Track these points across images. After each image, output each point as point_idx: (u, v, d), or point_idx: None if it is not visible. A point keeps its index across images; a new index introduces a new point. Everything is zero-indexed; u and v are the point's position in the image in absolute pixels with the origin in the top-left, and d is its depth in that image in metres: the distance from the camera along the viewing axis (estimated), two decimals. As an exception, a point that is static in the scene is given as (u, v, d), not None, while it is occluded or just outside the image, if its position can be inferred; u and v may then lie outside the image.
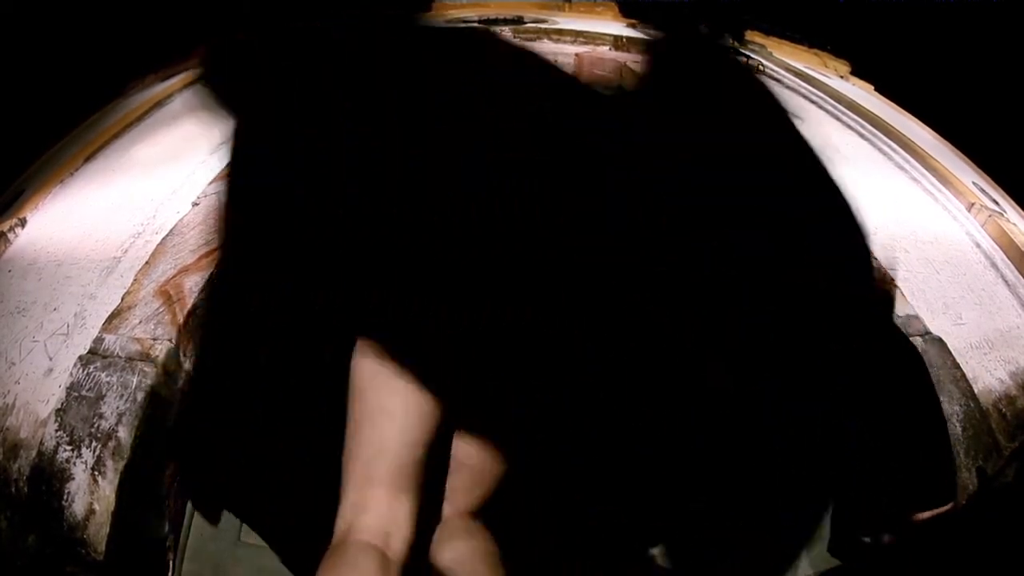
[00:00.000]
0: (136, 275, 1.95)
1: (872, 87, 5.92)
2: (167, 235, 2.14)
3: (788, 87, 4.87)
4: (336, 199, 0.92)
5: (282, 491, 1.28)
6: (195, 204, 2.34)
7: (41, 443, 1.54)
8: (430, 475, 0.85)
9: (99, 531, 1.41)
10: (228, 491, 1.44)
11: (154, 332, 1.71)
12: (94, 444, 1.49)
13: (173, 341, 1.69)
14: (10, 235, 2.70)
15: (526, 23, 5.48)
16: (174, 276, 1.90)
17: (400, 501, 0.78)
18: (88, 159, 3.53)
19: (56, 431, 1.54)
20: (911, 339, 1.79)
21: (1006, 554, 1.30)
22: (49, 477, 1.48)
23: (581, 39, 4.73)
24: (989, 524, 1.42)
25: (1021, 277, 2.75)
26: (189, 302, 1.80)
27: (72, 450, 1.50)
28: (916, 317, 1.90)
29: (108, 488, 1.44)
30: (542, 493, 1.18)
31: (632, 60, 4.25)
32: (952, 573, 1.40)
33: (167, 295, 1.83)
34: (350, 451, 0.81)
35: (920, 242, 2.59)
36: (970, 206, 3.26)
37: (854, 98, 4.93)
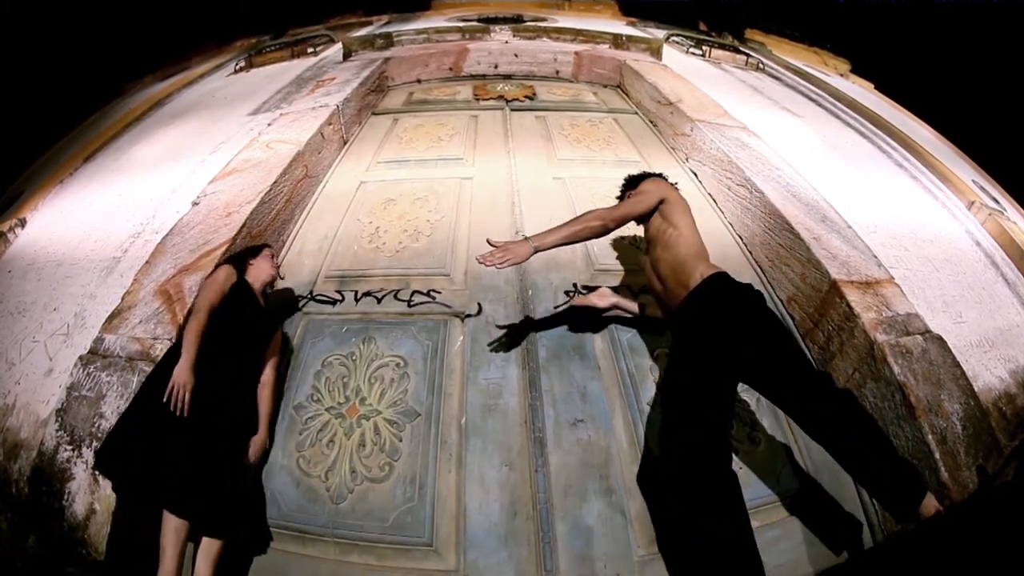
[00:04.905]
0: (136, 275, 1.94)
1: (872, 85, 5.92)
2: (167, 235, 2.14)
3: (788, 85, 4.87)
4: None
5: None
6: (195, 204, 2.35)
7: (41, 443, 1.54)
8: None
9: (99, 531, 1.40)
10: None
11: (154, 332, 1.70)
12: (95, 444, 1.49)
13: (173, 341, 1.69)
14: (10, 235, 2.69)
15: (526, 22, 5.47)
16: (174, 276, 1.90)
17: None
18: (88, 159, 3.53)
19: (57, 431, 1.54)
20: (911, 337, 1.79)
21: (1006, 553, 1.30)
22: (49, 477, 1.48)
23: (581, 37, 4.73)
24: (989, 522, 1.42)
25: (1021, 275, 2.74)
26: (189, 302, 1.79)
27: (73, 450, 1.49)
28: (916, 315, 1.89)
29: (108, 488, 1.43)
30: None
31: (631, 59, 4.25)
32: (953, 572, 1.39)
33: (167, 295, 1.82)
34: None
35: (920, 240, 2.58)
36: (970, 204, 3.26)
37: (854, 96, 4.93)
